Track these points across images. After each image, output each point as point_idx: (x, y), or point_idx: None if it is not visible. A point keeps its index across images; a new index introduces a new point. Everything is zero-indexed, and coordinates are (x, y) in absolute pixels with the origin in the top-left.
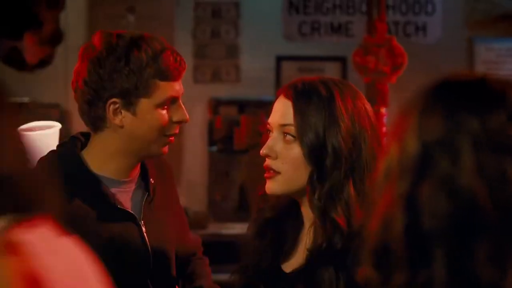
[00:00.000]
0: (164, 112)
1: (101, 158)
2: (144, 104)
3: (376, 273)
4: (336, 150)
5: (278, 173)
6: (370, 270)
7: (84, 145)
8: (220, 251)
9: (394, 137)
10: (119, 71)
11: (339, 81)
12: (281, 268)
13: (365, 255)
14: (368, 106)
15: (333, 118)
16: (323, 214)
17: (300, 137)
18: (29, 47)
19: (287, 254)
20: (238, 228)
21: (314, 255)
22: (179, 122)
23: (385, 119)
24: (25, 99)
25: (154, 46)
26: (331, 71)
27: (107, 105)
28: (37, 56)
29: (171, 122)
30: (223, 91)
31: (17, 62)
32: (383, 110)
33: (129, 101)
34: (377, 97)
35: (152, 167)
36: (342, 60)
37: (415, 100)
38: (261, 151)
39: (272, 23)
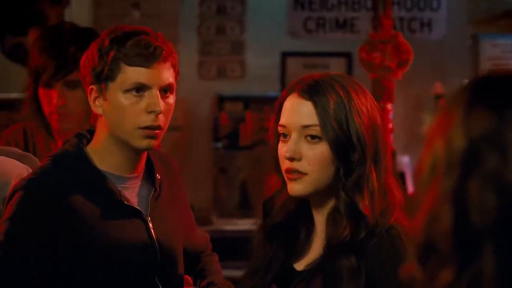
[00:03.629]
0: (132, 98)
1: (100, 152)
2: (111, 88)
3: (422, 270)
4: (361, 144)
5: (304, 174)
6: (416, 267)
7: (89, 142)
8: (225, 247)
9: (439, 133)
10: (93, 56)
11: (346, 77)
12: (293, 267)
13: (410, 252)
14: (373, 99)
15: (353, 113)
16: (350, 208)
17: (326, 136)
18: None
19: (299, 254)
20: (242, 224)
21: (334, 245)
22: (151, 112)
23: (391, 115)
24: None
25: (127, 31)
26: (336, 67)
27: (88, 92)
28: None
29: (141, 111)
30: (228, 87)
31: (22, 57)
32: (389, 106)
33: (100, 86)
34: (383, 93)
35: (158, 163)
36: (347, 56)
37: (459, 95)
38: (285, 155)
39: (277, 20)
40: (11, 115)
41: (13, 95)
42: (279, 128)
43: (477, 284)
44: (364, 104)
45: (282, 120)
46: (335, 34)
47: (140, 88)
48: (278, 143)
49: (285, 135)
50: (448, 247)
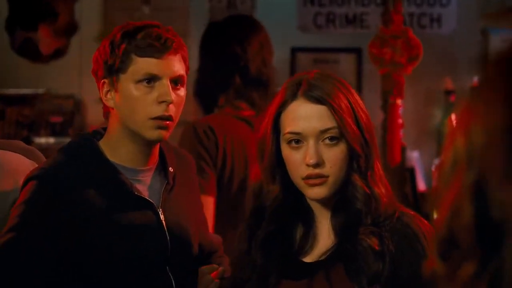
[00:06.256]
0: (143, 89)
1: (112, 145)
2: (122, 80)
3: (444, 264)
4: (371, 136)
5: (327, 177)
6: (437, 262)
7: (102, 137)
8: None
9: (460, 128)
10: (105, 50)
11: (332, 74)
12: (302, 261)
13: (432, 246)
14: None
15: (357, 108)
16: (368, 197)
17: (346, 135)
18: (44, 38)
19: (302, 250)
20: None
21: (351, 231)
22: (162, 102)
23: (400, 110)
24: (40, 90)
25: (138, 25)
26: (346, 62)
27: (100, 86)
28: (51, 47)
29: (153, 101)
30: None
31: (32, 53)
32: (399, 101)
33: (112, 78)
34: (393, 89)
35: (172, 157)
36: (357, 51)
37: (479, 90)
38: (308, 162)
39: (287, 15)
40: (21, 110)
41: (23, 91)
42: (289, 136)
43: (499, 278)
44: (358, 97)
45: (294, 128)
46: (345, 30)
47: (151, 79)
48: (275, 150)
49: (297, 141)
50: (469, 242)
